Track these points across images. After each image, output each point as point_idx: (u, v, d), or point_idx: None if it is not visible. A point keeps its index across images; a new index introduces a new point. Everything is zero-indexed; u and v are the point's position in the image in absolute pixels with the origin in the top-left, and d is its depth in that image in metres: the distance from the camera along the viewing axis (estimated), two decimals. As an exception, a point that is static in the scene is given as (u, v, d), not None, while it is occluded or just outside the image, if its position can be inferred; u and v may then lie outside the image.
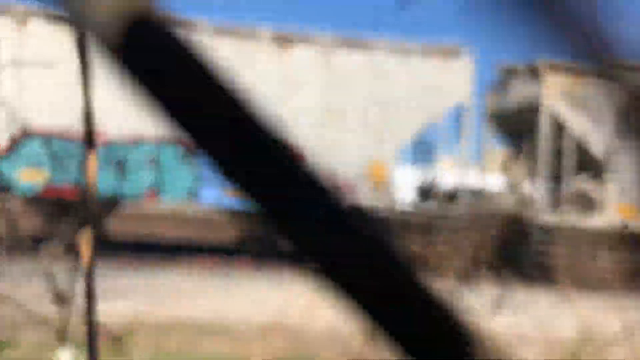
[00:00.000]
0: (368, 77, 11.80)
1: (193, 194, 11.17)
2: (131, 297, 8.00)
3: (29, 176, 10.75)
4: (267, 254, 12.28)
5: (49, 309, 6.74)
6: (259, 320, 5.47)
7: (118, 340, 0.72)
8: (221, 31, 11.59)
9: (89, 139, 0.31)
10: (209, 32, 11.43)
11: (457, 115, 12.80)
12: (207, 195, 11.15)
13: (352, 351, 3.51)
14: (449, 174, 13.71)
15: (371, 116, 11.75)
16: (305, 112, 11.49)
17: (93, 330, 0.28)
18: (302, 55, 11.64)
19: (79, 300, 0.88)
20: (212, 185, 11.23)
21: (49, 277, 0.70)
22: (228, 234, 13.95)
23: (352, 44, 12.36)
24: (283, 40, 11.74)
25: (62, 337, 5.30)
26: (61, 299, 0.75)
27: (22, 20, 10.90)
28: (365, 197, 11.57)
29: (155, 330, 5.77)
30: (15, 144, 10.69)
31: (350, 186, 11.51)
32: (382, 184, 11.72)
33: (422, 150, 14.53)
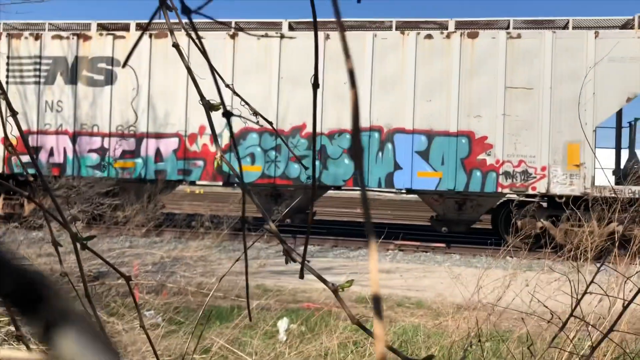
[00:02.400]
0: (555, 55, 10.90)
1: (388, 179, 11.30)
2: (334, 273, 8.37)
3: (248, 168, 11.70)
4: (458, 234, 12.04)
5: (268, 281, 7.28)
6: (454, 297, 5.40)
7: (336, 291, 0.75)
8: (407, 25, 11.51)
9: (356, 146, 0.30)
10: (392, 27, 11.42)
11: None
12: (400, 180, 11.21)
13: (544, 329, 3.33)
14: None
15: (563, 95, 10.85)
16: (488, 94, 10.96)
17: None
18: (486, 41, 11.12)
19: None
20: (405, 170, 11.28)
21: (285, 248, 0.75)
22: (421, 215, 13.93)
23: (537, 24, 11.57)
24: (467, 29, 11.33)
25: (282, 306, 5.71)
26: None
27: (283, 33, 11.66)
28: (559, 182, 10.78)
29: (356, 304, 5.97)
30: (236, 140, 11.69)
31: (543, 171, 10.80)
32: (578, 167, 10.76)
33: (623, 129, 13.11)
